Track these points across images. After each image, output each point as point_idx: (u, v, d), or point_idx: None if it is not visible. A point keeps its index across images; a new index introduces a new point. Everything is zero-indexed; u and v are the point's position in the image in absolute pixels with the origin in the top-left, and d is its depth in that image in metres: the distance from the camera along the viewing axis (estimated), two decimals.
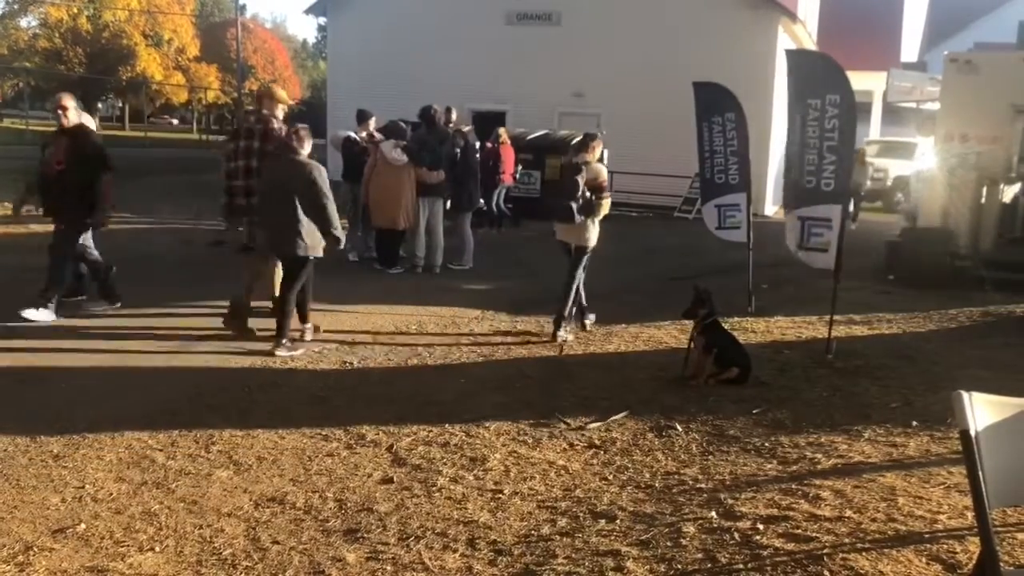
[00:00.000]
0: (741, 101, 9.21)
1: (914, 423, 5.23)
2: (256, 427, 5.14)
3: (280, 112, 7.65)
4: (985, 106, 10.99)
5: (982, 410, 2.28)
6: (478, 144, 13.21)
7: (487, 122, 17.04)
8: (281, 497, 4.18)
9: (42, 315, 7.45)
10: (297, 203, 6.69)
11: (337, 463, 4.64)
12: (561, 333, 7.57)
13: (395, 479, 4.42)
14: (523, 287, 10.26)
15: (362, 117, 11.58)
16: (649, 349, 7.41)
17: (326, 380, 6.21)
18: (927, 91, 18.98)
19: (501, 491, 4.28)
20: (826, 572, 3.30)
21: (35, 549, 3.59)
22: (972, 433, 2.22)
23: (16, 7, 41.65)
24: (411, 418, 5.37)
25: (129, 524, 3.85)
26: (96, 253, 8.10)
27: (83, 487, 4.24)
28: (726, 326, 6.82)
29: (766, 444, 4.93)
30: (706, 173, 9.48)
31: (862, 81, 20.78)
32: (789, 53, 8.05)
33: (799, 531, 3.67)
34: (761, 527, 3.71)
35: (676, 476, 4.48)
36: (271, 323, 7.03)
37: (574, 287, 7.72)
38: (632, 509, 4.03)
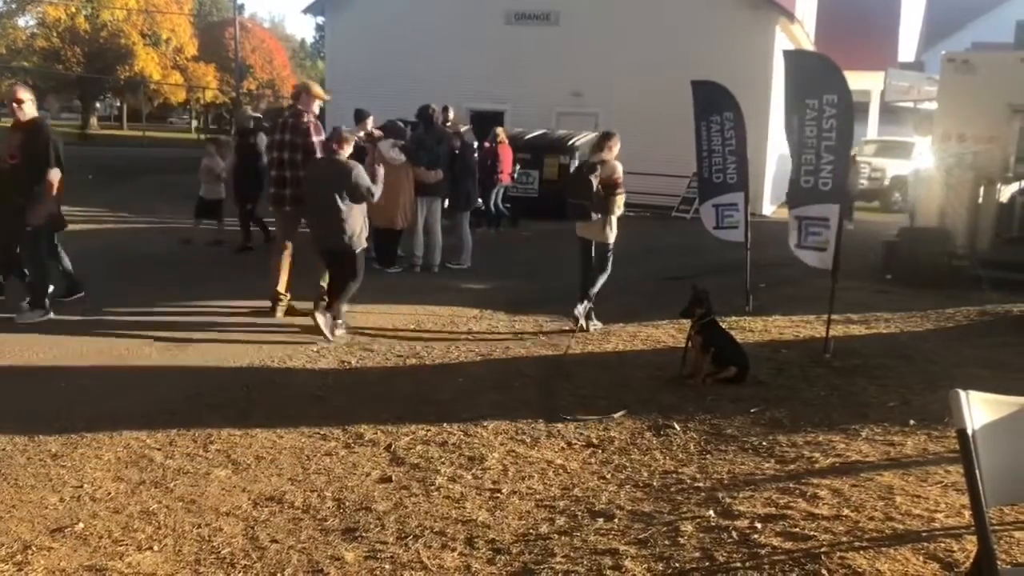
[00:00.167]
0: (739, 101, 9.21)
1: (912, 422, 5.24)
2: (254, 426, 5.14)
3: (316, 107, 8.17)
4: (982, 106, 11.01)
5: (979, 409, 2.29)
6: (476, 144, 13.21)
7: (485, 122, 17.04)
8: (279, 496, 4.19)
9: (37, 315, 7.44)
10: (340, 199, 7.15)
11: (335, 462, 4.65)
12: (596, 324, 7.98)
13: (393, 478, 4.42)
14: (521, 286, 10.27)
15: (360, 116, 11.56)
16: (647, 348, 7.41)
17: (324, 379, 6.21)
18: (924, 91, 19.05)
19: (499, 490, 4.28)
20: (824, 571, 3.30)
21: (34, 548, 3.59)
22: (969, 432, 2.23)
23: (14, 6, 41.61)
24: (409, 417, 5.37)
25: (127, 523, 3.85)
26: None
27: (81, 486, 4.24)
28: (724, 325, 6.83)
29: (764, 443, 4.94)
30: (704, 172, 9.49)
31: (860, 81, 20.84)
32: (787, 54, 8.06)
33: (797, 530, 3.68)
34: (759, 526, 3.72)
35: (674, 475, 4.48)
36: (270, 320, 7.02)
37: (601, 280, 8.07)
38: (630, 508, 4.04)
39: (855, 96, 7.39)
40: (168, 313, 8.07)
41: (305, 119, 7.87)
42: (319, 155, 7.66)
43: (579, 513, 3.99)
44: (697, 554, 3.50)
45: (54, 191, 7.37)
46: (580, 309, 7.85)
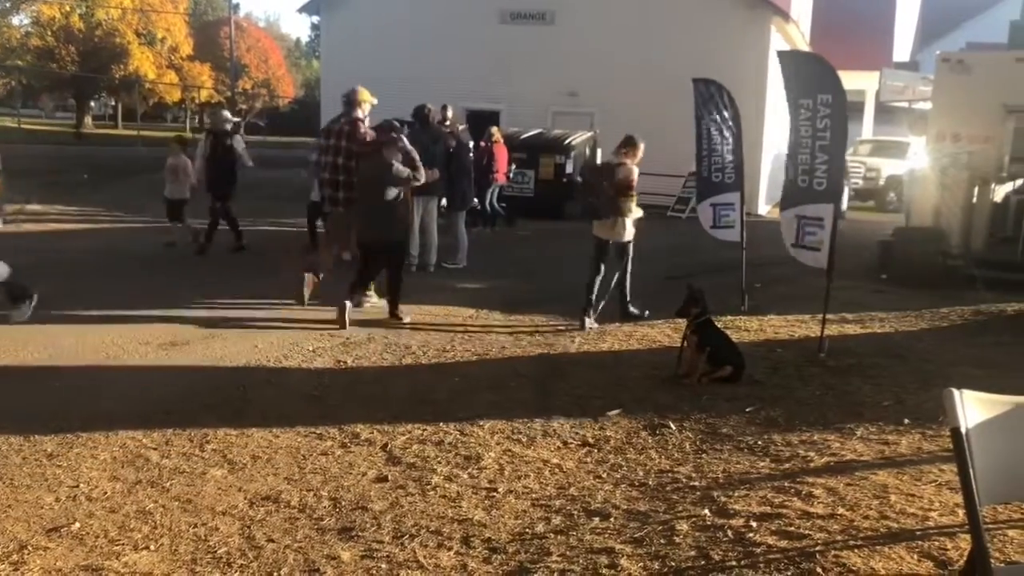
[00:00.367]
0: (735, 99, 9.22)
1: (906, 421, 5.26)
2: (250, 426, 5.14)
3: (367, 109, 8.71)
4: (977, 106, 11.03)
5: (973, 408, 2.30)
6: (471, 143, 13.21)
7: (481, 121, 17.03)
8: (276, 496, 4.19)
9: (26, 309, 7.39)
10: (386, 195, 7.73)
11: (331, 462, 4.65)
12: (634, 309, 8.36)
13: (389, 478, 4.43)
14: (517, 286, 10.28)
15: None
16: (643, 348, 7.43)
17: (320, 379, 6.22)
18: (919, 91, 19.08)
19: (495, 489, 4.29)
20: (819, 569, 3.32)
21: (29, 548, 3.58)
22: (963, 431, 2.24)
23: (8, 5, 41.45)
24: (405, 417, 5.38)
25: (124, 523, 3.85)
26: None
27: (77, 486, 4.23)
28: (719, 325, 6.84)
29: (759, 442, 4.95)
30: (704, 171, 9.51)
31: (855, 81, 20.86)
32: (781, 54, 8.08)
33: (792, 528, 3.69)
34: (754, 525, 3.73)
35: (670, 474, 4.50)
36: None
37: (626, 281, 8.29)
38: (626, 507, 4.05)
39: (850, 96, 7.41)
40: (163, 313, 8.06)
41: (363, 128, 8.46)
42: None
43: (575, 512, 4.00)
44: (693, 553, 3.52)
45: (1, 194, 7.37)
46: (589, 322, 8.09)
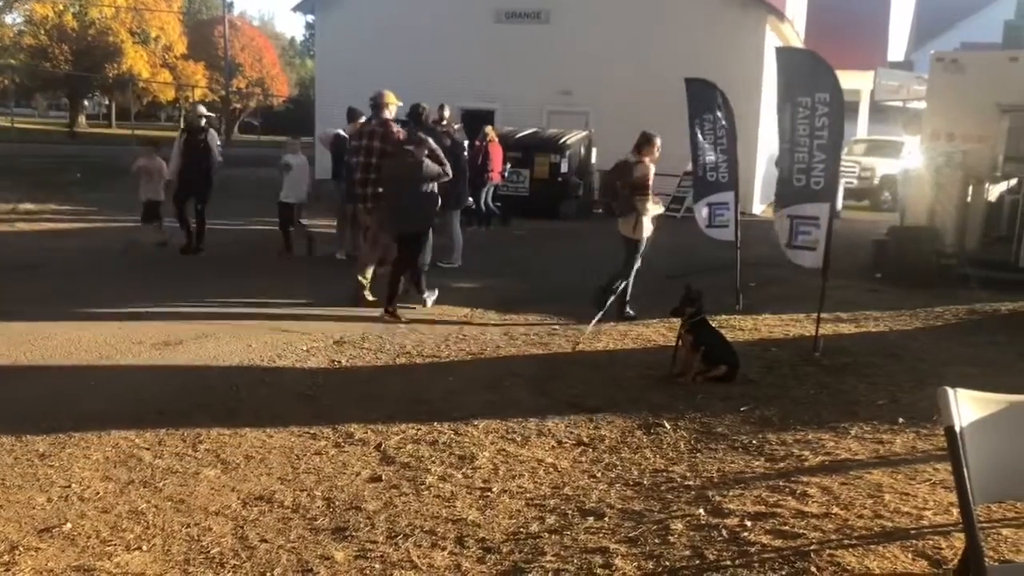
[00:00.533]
0: (729, 100, 9.22)
1: (900, 420, 5.27)
2: (244, 426, 5.12)
3: (394, 111, 9.09)
4: (971, 105, 11.05)
5: (967, 406, 2.29)
6: (466, 142, 13.19)
7: (475, 120, 17.02)
8: (269, 496, 4.17)
9: None
10: (414, 189, 8.12)
11: (325, 462, 4.63)
12: (630, 311, 8.35)
13: (383, 477, 4.41)
14: (512, 285, 10.26)
15: (353, 115, 11.54)
16: (637, 347, 7.42)
17: (314, 378, 6.20)
18: (914, 90, 19.09)
19: (490, 489, 4.28)
20: (813, 568, 3.31)
21: (21, 549, 3.56)
22: (957, 429, 2.24)
23: (1, 4, 41.33)
24: (399, 416, 5.36)
25: (116, 523, 3.83)
26: None
27: (69, 486, 4.21)
28: (714, 324, 6.84)
29: (754, 441, 4.95)
30: (699, 171, 9.50)
31: (849, 80, 20.83)
32: (779, 51, 8.07)
33: (786, 528, 3.68)
34: (749, 524, 3.73)
35: (664, 473, 4.49)
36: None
37: (628, 277, 8.30)
38: (620, 506, 4.04)
39: (844, 95, 7.40)
40: (156, 312, 8.04)
41: (395, 129, 8.85)
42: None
43: (569, 512, 3.99)
44: (687, 552, 3.51)
45: None
46: (629, 311, 8.29)
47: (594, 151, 18.65)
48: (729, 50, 18.63)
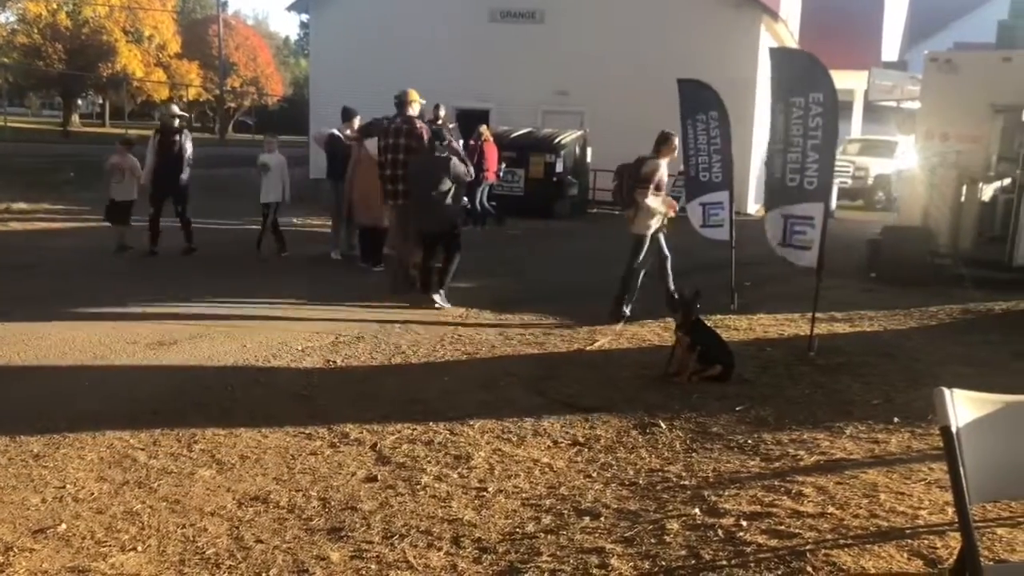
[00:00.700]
0: (723, 100, 9.23)
1: (896, 420, 5.28)
2: (239, 426, 5.11)
3: (416, 109, 9.32)
4: (965, 105, 11.07)
5: (963, 406, 2.30)
6: (461, 142, 13.17)
7: (470, 120, 17.01)
8: (264, 496, 4.16)
9: None
10: (441, 188, 8.39)
11: (321, 462, 4.63)
12: (625, 310, 8.32)
13: (379, 477, 4.41)
14: (507, 285, 10.26)
15: (347, 115, 11.54)
16: (632, 347, 7.43)
17: (309, 378, 6.19)
18: (908, 90, 19.12)
19: (485, 489, 4.28)
20: (809, 568, 3.32)
21: (15, 550, 3.55)
22: (953, 429, 2.24)
23: None
24: (395, 416, 5.36)
25: (111, 524, 3.82)
26: None
27: (64, 487, 4.20)
28: (709, 324, 6.85)
29: (749, 441, 4.96)
30: (691, 171, 9.51)
31: (843, 80, 20.88)
32: (773, 51, 8.08)
33: (782, 527, 3.69)
34: (744, 524, 3.73)
35: (660, 473, 4.49)
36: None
37: (628, 276, 8.32)
38: (616, 506, 4.04)
39: (839, 95, 7.41)
40: (151, 311, 8.02)
41: (419, 126, 9.09)
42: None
43: (565, 512, 3.99)
44: (683, 552, 3.51)
45: None
46: (626, 311, 8.31)
47: (589, 151, 18.66)
48: (724, 50, 18.66)
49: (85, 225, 13.78)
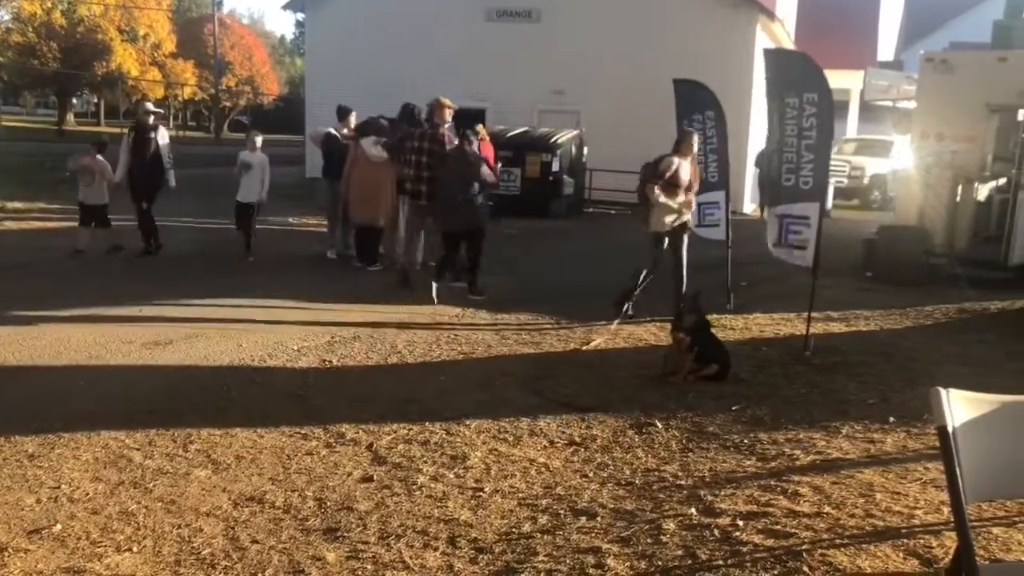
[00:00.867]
0: (719, 99, 9.23)
1: (891, 419, 5.28)
2: (234, 426, 5.10)
3: (448, 115, 9.96)
4: (960, 105, 11.09)
5: (959, 406, 2.30)
6: (457, 141, 13.15)
7: (466, 119, 16.98)
8: (260, 496, 4.16)
9: None
10: (471, 188, 8.83)
11: (316, 462, 4.62)
12: (628, 306, 8.26)
13: (375, 478, 4.40)
14: (503, 285, 10.24)
15: (343, 113, 11.53)
16: (629, 346, 7.43)
17: (305, 378, 6.18)
18: (903, 90, 19.12)
19: (482, 489, 4.27)
20: (805, 567, 3.32)
21: (10, 550, 3.54)
22: (949, 429, 2.24)
23: None
24: (391, 416, 5.35)
25: (106, 524, 3.81)
26: None
27: (59, 487, 4.19)
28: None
29: (745, 441, 4.96)
30: None
31: (839, 79, 20.91)
32: (767, 52, 8.09)
33: (778, 527, 3.69)
34: (741, 523, 3.73)
35: (656, 473, 4.49)
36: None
37: (641, 273, 8.26)
38: (612, 506, 4.04)
39: (834, 95, 7.43)
40: (146, 311, 8.01)
41: (442, 131, 9.67)
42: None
43: (561, 512, 3.99)
44: (679, 552, 3.51)
45: None
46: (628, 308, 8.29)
47: (585, 150, 18.65)
48: (720, 49, 18.65)
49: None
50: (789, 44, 22.53)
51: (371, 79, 20.35)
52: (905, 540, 3.55)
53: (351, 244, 11.29)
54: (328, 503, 4.09)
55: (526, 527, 3.83)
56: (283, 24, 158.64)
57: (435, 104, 9.98)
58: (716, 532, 3.66)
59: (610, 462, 4.67)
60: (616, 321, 8.04)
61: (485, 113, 19.92)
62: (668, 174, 8.04)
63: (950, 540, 3.42)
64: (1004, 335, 7.97)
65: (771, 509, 3.89)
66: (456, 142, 9.44)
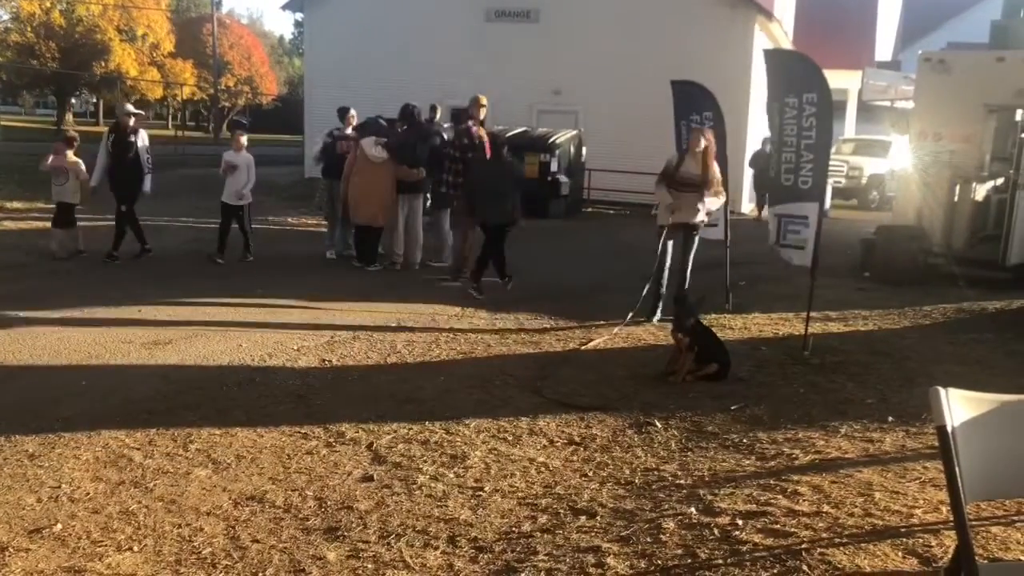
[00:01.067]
0: (717, 99, 9.24)
1: (890, 419, 5.29)
2: (235, 425, 5.11)
3: (482, 114, 10.56)
4: (958, 105, 11.11)
5: (958, 406, 2.31)
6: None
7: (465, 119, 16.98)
8: (260, 496, 4.16)
9: None
10: (509, 187, 9.48)
11: (317, 461, 4.63)
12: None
13: (375, 477, 4.41)
14: (502, 284, 10.25)
15: (344, 113, 11.55)
16: (628, 346, 7.44)
17: (305, 378, 6.18)
18: (901, 90, 19.20)
19: (482, 488, 4.28)
20: (804, 567, 3.32)
21: (11, 550, 3.55)
22: (949, 428, 2.25)
23: None
24: (391, 416, 5.36)
25: (107, 524, 3.82)
26: None
27: (59, 487, 4.19)
28: (705, 323, 6.85)
29: (744, 440, 4.97)
30: None
31: (837, 80, 20.89)
32: (767, 52, 8.11)
33: (777, 526, 3.70)
34: (740, 523, 3.74)
35: (656, 472, 4.50)
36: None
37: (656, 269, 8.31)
38: (612, 505, 4.05)
39: (832, 95, 7.44)
40: (145, 311, 8.00)
41: (474, 130, 10.25)
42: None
43: (561, 511, 4.00)
44: (679, 551, 3.52)
45: None
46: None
47: (584, 150, 18.66)
48: (718, 49, 18.67)
49: (80, 224, 13.73)
50: (787, 44, 22.54)
51: (370, 79, 20.37)
52: (904, 539, 3.56)
53: (351, 244, 11.30)
54: (328, 502, 4.10)
55: (526, 526, 3.84)
56: (282, 24, 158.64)
57: (473, 101, 10.54)
58: (715, 531, 3.67)
59: (610, 461, 4.68)
60: (622, 323, 8.02)
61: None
62: (669, 171, 8.08)
63: (949, 539, 3.43)
64: (1002, 335, 7.98)
65: (770, 508, 3.90)
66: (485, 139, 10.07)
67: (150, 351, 6.73)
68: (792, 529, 3.67)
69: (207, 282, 9.60)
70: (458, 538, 3.72)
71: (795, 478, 4.30)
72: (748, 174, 19.48)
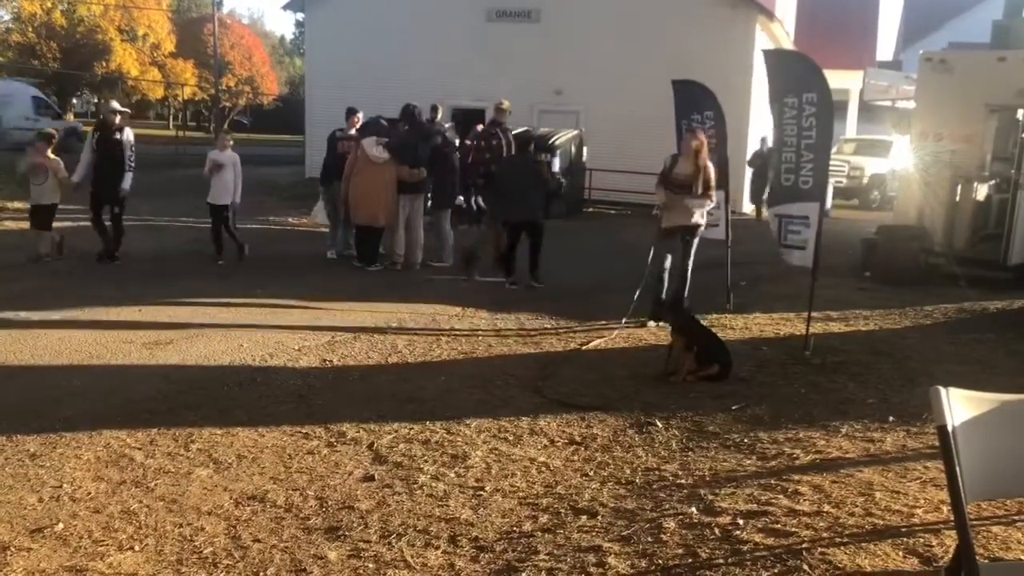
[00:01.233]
0: (718, 98, 9.24)
1: (891, 418, 5.29)
2: (236, 425, 5.11)
3: (505, 117, 11.81)
4: (959, 105, 11.10)
5: (959, 405, 2.31)
6: (457, 141, 13.19)
7: (466, 119, 17.00)
8: (262, 495, 4.17)
9: None
10: (536, 186, 9.90)
11: (318, 461, 4.63)
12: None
13: (376, 477, 4.41)
14: (502, 284, 10.25)
15: (350, 113, 11.58)
16: (629, 346, 7.44)
17: (306, 378, 6.19)
18: (902, 90, 19.17)
19: (483, 488, 4.28)
20: (805, 566, 3.32)
21: (12, 549, 3.55)
22: (949, 428, 2.25)
23: None
24: (392, 415, 5.36)
25: (108, 523, 3.82)
26: None
27: (61, 486, 4.20)
28: (706, 323, 6.86)
29: (745, 440, 4.97)
30: None
31: (838, 80, 20.91)
32: (767, 53, 8.11)
33: (778, 526, 3.70)
34: (741, 522, 3.74)
35: (656, 472, 4.50)
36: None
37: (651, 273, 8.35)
38: (613, 505, 4.05)
39: (833, 95, 7.44)
40: (146, 311, 8.01)
41: (499, 133, 11.31)
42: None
43: (562, 510, 4.00)
44: (680, 551, 3.52)
45: None
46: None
47: (585, 150, 18.66)
48: (719, 49, 18.66)
49: (78, 224, 13.74)
50: (788, 44, 22.53)
51: (371, 79, 20.35)
52: (905, 539, 3.56)
53: (351, 244, 11.30)
54: (329, 502, 4.10)
55: (527, 526, 3.84)
56: (283, 24, 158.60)
57: (497, 106, 11.74)
58: (716, 531, 3.67)
59: (610, 461, 4.68)
60: (620, 325, 8.01)
61: (485, 113, 19.94)
62: (664, 172, 8.09)
63: (950, 539, 3.43)
64: (1003, 334, 7.97)
65: (771, 508, 3.90)
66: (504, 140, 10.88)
67: (151, 351, 6.74)
68: (793, 529, 3.67)
69: (207, 282, 9.61)
70: (459, 538, 3.72)
71: (796, 478, 4.30)
72: (749, 173, 19.48)
